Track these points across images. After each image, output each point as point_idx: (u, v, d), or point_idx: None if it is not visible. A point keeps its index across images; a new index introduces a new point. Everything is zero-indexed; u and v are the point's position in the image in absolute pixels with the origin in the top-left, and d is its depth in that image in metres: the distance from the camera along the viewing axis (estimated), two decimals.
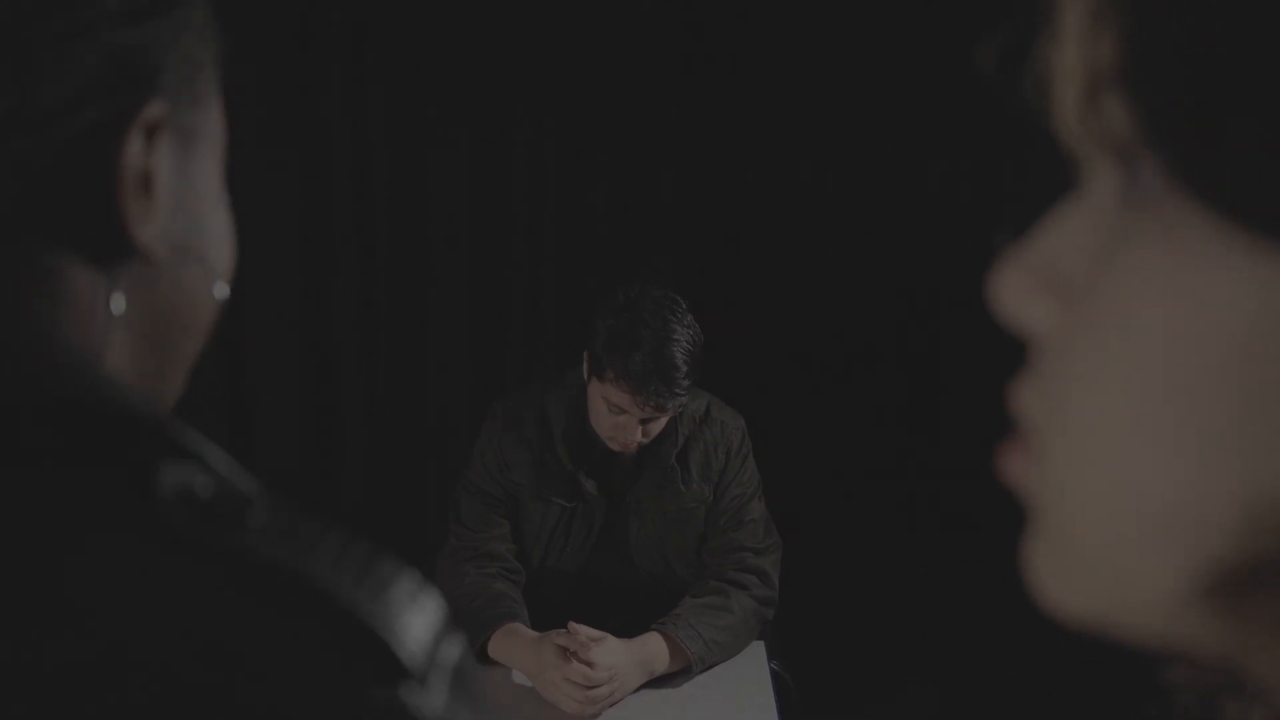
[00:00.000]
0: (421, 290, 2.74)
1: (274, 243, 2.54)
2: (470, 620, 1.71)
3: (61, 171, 0.43)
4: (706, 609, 1.74)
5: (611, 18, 2.62)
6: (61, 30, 0.42)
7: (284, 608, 0.40)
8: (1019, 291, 0.26)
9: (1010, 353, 0.30)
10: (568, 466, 1.80)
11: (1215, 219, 0.21)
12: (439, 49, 2.61)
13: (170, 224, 0.47)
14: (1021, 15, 0.25)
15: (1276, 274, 0.20)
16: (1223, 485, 0.21)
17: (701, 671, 1.72)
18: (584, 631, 1.63)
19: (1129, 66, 0.22)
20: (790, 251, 2.73)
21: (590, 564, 1.87)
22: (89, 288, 0.45)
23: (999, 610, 1.41)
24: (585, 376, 1.73)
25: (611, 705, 1.64)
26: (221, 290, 0.52)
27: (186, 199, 0.49)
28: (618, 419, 1.67)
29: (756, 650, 1.83)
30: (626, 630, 1.69)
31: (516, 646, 1.69)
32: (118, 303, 0.46)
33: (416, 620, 0.42)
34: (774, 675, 1.78)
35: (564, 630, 1.65)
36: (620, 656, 1.64)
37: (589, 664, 1.60)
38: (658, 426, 1.73)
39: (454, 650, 0.43)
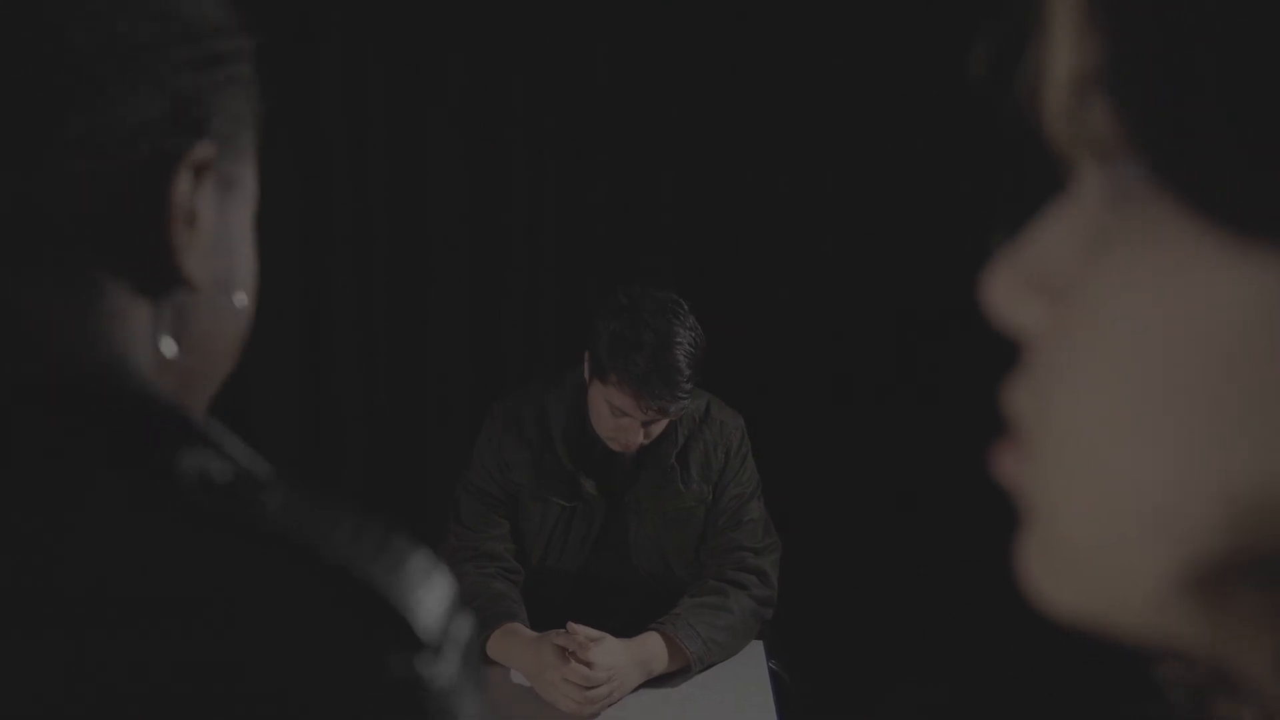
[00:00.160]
0: (421, 290, 2.74)
1: (274, 243, 2.54)
2: None
3: (118, 197, 0.47)
4: (705, 609, 1.75)
5: (611, 17, 2.62)
6: (133, 70, 0.46)
7: (304, 580, 0.42)
8: (1009, 292, 0.26)
9: (1007, 353, 0.31)
10: (567, 466, 1.80)
11: (1195, 220, 0.21)
12: (439, 49, 2.61)
13: (210, 257, 0.51)
14: (1012, 19, 0.25)
15: (1255, 274, 0.21)
16: (1205, 482, 0.21)
17: (700, 671, 1.72)
18: (583, 631, 1.63)
19: (1111, 69, 0.22)
20: (790, 251, 2.73)
21: (589, 564, 1.87)
22: (132, 305, 0.49)
23: (998, 610, 1.41)
24: (586, 377, 1.73)
25: (610, 705, 1.65)
26: (240, 300, 0.56)
27: (223, 237, 0.53)
28: (620, 421, 1.68)
29: (755, 650, 1.83)
30: (625, 630, 1.69)
31: (515, 646, 1.69)
32: (169, 347, 0.50)
33: (430, 595, 0.44)
34: (773, 675, 1.78)
35: (563, 630, 1.65)
36: (619, 656, 1.64)
37: (588, 664, 1.60)
38: (659, 428, 1.73)
39: (465, 626, 0.45)
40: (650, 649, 1.69)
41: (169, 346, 0.50)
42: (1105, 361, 0.23)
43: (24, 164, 0.45)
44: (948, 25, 1.53)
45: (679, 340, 1.62)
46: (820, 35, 2.60)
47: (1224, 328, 0.21)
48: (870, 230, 2.69)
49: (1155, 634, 0.24)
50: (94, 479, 0.43)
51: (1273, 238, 0.20)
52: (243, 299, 0.55)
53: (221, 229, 0.53)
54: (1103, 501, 0.23)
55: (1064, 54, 0.24)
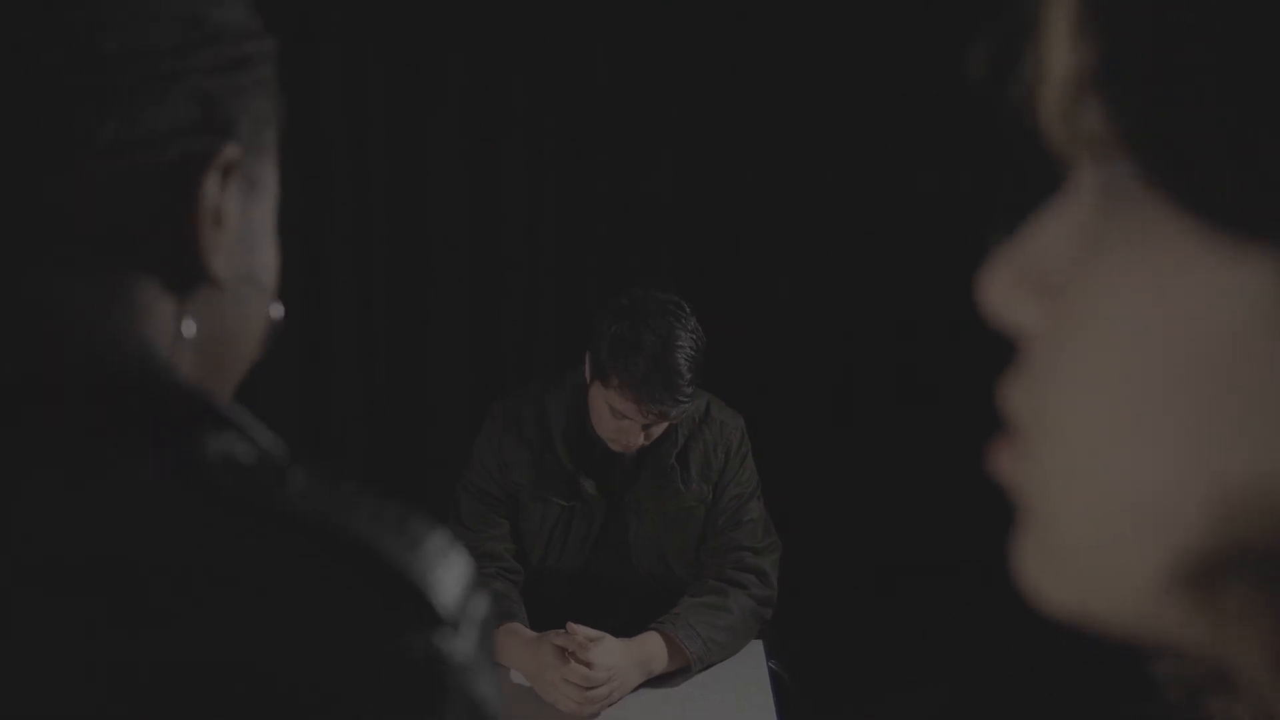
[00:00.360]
0: (421, 290, 2.74)
1: None
2: None
3: (147, 199, 0.49)
4: (705, 608, 1.75)
5: (611, 17, 2.62)
6: (163, 75, 0.48)
7: (326, 556, 0.44)
8: (1006, 291, 0.26)
9: (1005, 352, 0.31)
10: (567, 466, 1.80)
11: (1189, 220, 0.21)
12: (438, 48, 2.61)
13: (235, 255, 0.53)
14: (1010, 19, 0.25)
15: (1248, 273, 0.21)
16: (1199, 479, 0.22)
17: (700, 671, 1.72)
18: (582, 631, 1.63)
19: (1105, 70, 0.22)
20: (790, 251, 2.74)
21: (589, 564, 1.87)
22: (160, 301, 0.50)
23: (998, 609, 1.42)
24: (587, 378, 1.73)
25: (610, 705, 1.65)
26: (277, 310, 0.59)
27: (247, 235, 0.55)
28: (620, 423, 1.68)
29: (755, 650, 1.83)
30: (625, 630, 1.69)
31: (515, 646, 1.69)
32: (189, 327, 0.51)
33: (449, 574, 0.46)
34: (773, 675, 1.78)
35: (562, 630, 1.65)
36: (619, 656, 1.64)
37: (587, 664, 1.60)
38: (659, 430, 1.74)
39: (482, 604, 0.47)
40: (650, 649, 1.69)
41: (190, 327, 0.51)
42: (1101, 360, 0.23)
43: (57, 169, 0.46)
44: (947, 25, 1.53)
45: (680, 344, 1.62)
46: (820, 35, 2.60)
47: (1218, 326, 0.21)
48: (870, 230, 2.69)
49: (1150, 630, 0.25)
50: (122, 460, 0.44)
51: (1265, 238, 0.20)
52: (266, 292, 0.58)
53: (245, 228, 0.54)
54: (1098, 498, 0.24)
55: (1060, 55, 0.24)
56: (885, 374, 2.75)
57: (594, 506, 1.83)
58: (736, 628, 1.77)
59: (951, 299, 2.60)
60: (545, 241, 2.74)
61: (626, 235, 2.72)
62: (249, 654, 0.41)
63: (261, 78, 0.54)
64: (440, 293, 2.74)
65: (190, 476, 0.45)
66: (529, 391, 1.87)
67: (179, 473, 0.45)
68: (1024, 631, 1.42)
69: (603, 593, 1.89)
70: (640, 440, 1.71)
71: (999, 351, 0.32)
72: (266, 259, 0.58)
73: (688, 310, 1.68)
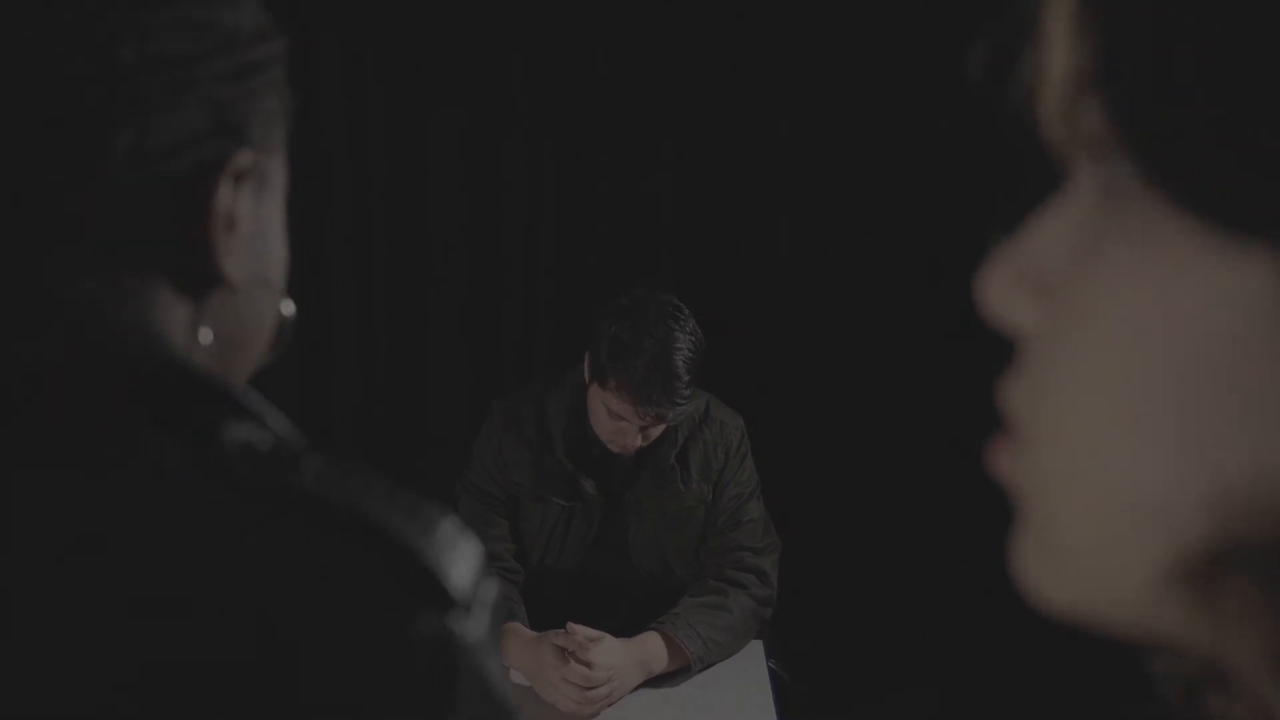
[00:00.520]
0: (421, 290, 2.74)
1: None
2: None
3: (162, 206, 0.50)
4: (705, 608, 1.75)
5: (611, 16, 2.62)
6: (177, 84, 0.49)
7: (342, 539, 0.45)
8: (1005, 290, 0.26)
9: (1005, 352, 0.31)
10: (567, 466, 1.80)
11: (1186, 219, 0.22)
12: (438, 48, 2.61)
13: (247, 257, 0.54)
14: (1010, 20, 0.26)
15: (1246, 271, 0.21)
16: (1195, 478, 0.22)
17: (700, 671, 1.72)
18: (582, 631, 1.63)
19: (1103, 70, 0.22)
20: (790, 251, 2.74)
21: (589, 564, 1.87)
22: (176, 302, 0.52)
23: (998, 609, 1.42)
24: (585, 379, 1.73)
25: (610, 705, 1.65)
26: (288, 308, 0.60)
27: (259, 235, 0.56)
28: (618, 424, 1.68)
29: (755, 650, 1.83)
30: (625, 630, 1.69)
31: (515, 646, 1.69)
32: (205, 335, 0.53)
33: (461, 557, 0.47)
34: (772, 674, 1.78)
35: (562, 630, 1.65)
36: (619, 656, 1.64)
37: (587, 664, 1.61)
38: (657, 431, 1.74)
39: (492, 589, 0.48)
40: (650, 649, 1.69)
41: (206, 335, 0.53)
42: (1100, 360, 0.23)
43: (75, 178, 0.47)
44: (947, 25, 1.53)
45: (678, 346, 1.62)
46: (820, 35, 2.60)
47: (1217, 326, 0.21)
48: (870, 230, 2.69)
49: (1149, 629, 0.25)
50: (142, 448, 0.46)
51: (1264, 237, 0.20)
52: (276, 290, 0.59)
53: (257, 227, 0.55)
54: (1098, 498, 0.24)
55: (1059, 55, 0.24)
56: (885, 374, 2.74)
57: (594, 506, 1.83)
58: (736, 628, 1.77)
59: (951, 299, 2.60)
60: (545, 241, 2.74)
61: (626, 235, 2.72)
62: (266, 636, 0.42)
63: (273, 78, 0.55)
64: (440, 293, 2.74)
65: (209, 464, 0.46)
66: (529, 391, 1.87)
67: (198, 460, 0.46)
68: (1024, 631, 1.42)
69: (602, 593, 1.89)
70: (638, 441, 1.71)
71: (999, 351, 0.32)
72: (277, 257, 0.59)
73: (686, 312, 1.69)
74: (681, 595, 1.80)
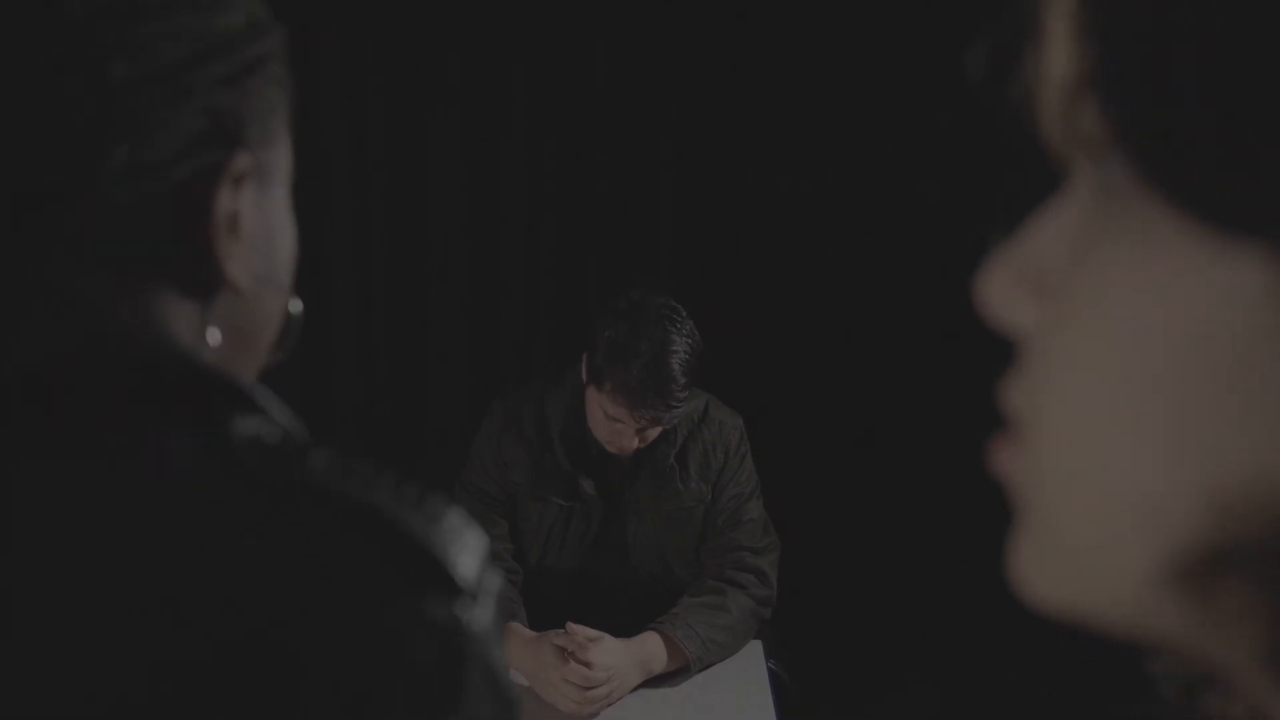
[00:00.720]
0: (421, 290, 2.74)
1: None
2: None
3: (163, 215, 0.50)
4: (704, 608, 1.75)
5: (611, 17, 2.62)
6: (173, 94, 0.49)
7: (350, 530, 0.46)
8: (1004, 290, 0.26)
9: (1004, 352, 0.31)
10: (566, 466, 1.80)
11: (1183, 219, 0.22)
12: (439, 49, 2.61)
13: (252, 258, 0.54)
14: (1009, 21, 0.26)
15: (1243, 271, 0.21)
16: (1194, 478, 0.22)
17: (699, 671, 1.72)
18: (582, 631, 1.63)
19: (1102, 71, 0.22)
20: (790, 251, 2.74)
21: (588, 564, 1.87)
22: (183, 306, 0.52)
23: (998, 609, 1.42)
24: (583, 380, 1.73)
25: (609, 705, 1.65)
26: (296, 305, 0.60)
27: (263, 233, 0.56)
28: (614, 426, 1.68)
29: (754, 650, 1.83)
30: (625, 630, 1.69)
31: (514, 646, 1.69)
32: (214, 336, 0.53)
33: (467, 547, 0.48)
34: (772, 675, 1.78)
35: (562, 630, 1.65)
36: (618, 656, 1.64)
37: (587, 664, 1.61)
38: (654, 433, 1.74)
39: (496, 579, 0.49)
40: (649, 649, 1.69)
41: (214, 336, 0.53)
42: (1098, 358, 0.23)
43: (73, 194, 0.47)
44: (947, 26, 1.54)
45: (674, 349, 1.62)
46: (820, 35, 2.60)
47: (1216, 326, 0.21)
48: (870, 230, 2.69)
49: (1147, 629, 0.25)
50: (153, 441, 0.47)
51: (1263, 237, 0.20)
52: (283, 287, 0.59)
53: (262, 226, 0.55)
54: (1097, 497, 0.24)
55: (1058, 57, 0.24)
56: (885, 374, 2.75)
57: (593, 506, 1.83)
58: (736, 628, 1.77)
59: (951, 299, 2.60)
60: (545, 241, 2.74)
61: (626, 235, 2.72)
62: (276, 626, 0.43)
63: (271, 73, 0.55)
64: (440, 293, 2.74)
65: (218, 457, 0.47)
66: (528, 391, 1.87)
67: (207, 454, 0.47)
68: (1024, 631, 1.42)
69: (602, 593, 1.89)
70: (635, 443, 1.71)
71: (999, 351, 0.32)
72: (284, 254, 0.58)
73: (684, 315, 1.69)
74: (681, 595, 1.80)
